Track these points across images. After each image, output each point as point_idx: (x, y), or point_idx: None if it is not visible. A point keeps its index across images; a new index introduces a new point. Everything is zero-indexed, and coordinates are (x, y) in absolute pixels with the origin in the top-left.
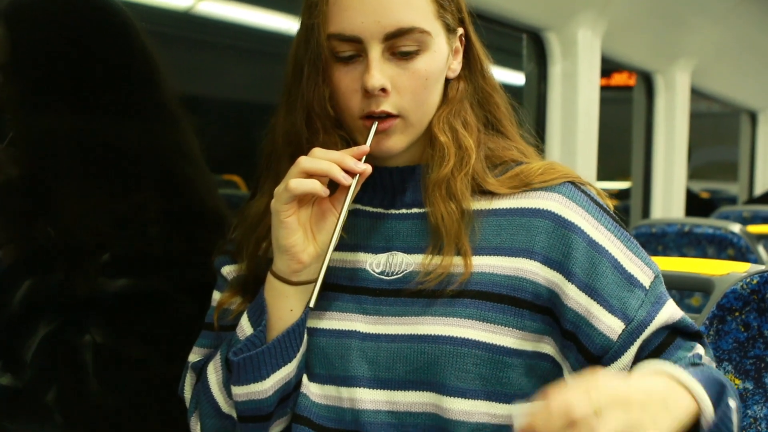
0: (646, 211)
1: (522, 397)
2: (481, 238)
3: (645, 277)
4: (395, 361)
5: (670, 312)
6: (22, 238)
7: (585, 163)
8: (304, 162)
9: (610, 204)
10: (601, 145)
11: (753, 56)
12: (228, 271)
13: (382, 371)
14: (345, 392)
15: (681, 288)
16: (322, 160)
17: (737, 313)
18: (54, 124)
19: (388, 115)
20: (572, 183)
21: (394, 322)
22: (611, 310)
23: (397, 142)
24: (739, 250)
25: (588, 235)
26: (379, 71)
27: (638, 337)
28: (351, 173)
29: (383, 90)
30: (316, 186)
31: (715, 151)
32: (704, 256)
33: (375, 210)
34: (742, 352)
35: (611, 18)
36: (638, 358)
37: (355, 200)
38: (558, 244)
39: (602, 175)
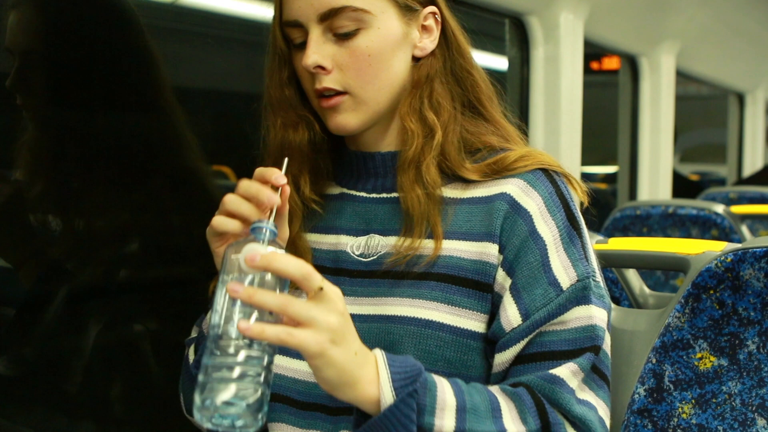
0: (632, 195)
1: (485, 379)
2: (452, 223)
3: (565, 278)
4: (365, 341)
5: (572, 317)
6: (42, 247)
7: (569, 147)
8: (227, 203)
9: (581, 197)
10: (593, 129)
11: (738, 38)
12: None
13: None
14: None
15: (657, 268)
16: (242, 202)
17: (712, 291)
18: (64, 108)
19: (336, 93)
20: (543, 170)
21: (366, 302)
22: (518, 301)
23: (349, 118)
24: (723, 231)
25: (533, 224)
26: (316, 51)
27: (526, 336)
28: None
29: (322, 68)
30: (235, 227)
31: (705, 134)
32: (688, 237)
33: (358, 194)
34: (716, 329)
35: (593, 1)
36: (521, 358)
37: (341, 185)
38: (507, 227)
39: (592, 160)
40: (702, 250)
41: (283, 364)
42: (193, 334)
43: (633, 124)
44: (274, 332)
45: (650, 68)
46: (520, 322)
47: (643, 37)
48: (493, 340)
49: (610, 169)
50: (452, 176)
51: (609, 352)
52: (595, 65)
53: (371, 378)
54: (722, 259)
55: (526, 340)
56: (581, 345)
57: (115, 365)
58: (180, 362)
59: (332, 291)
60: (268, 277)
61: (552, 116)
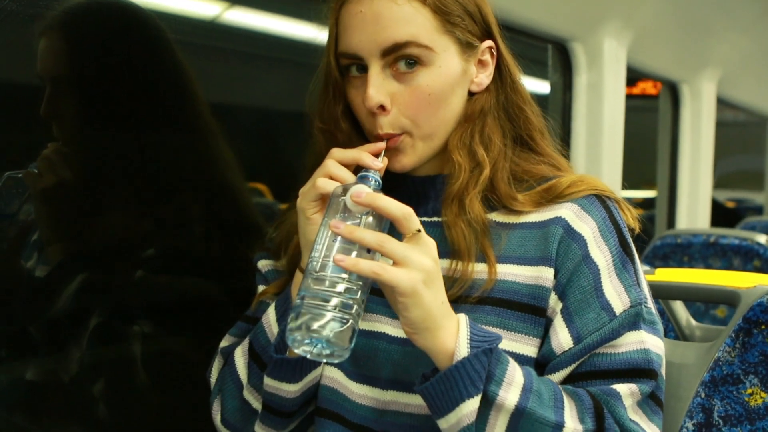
0: (671, 221)
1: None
2: (506, 247)
3: (619, 303)
4: (418, 365)
5: (624, 342)
6: (71, 238)
7: (610, 173)
8: (330, 166)
9: (632, 223)
10: (625, 152)
11: None
12: (263, 264)
13: (404, 374)
14: (367, 390)
15: (707, 300)
16: (343, 167)
17: (764, 326)
18: (100, 134)
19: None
20: (596, 196)
21: None
22: (569, 325)
23: (409, 157)
24: (766, 262)
25: (587, 248)
26: (377, 88)
27: (577, 360)
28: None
29: (382, 108)
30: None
31: (741, 160)
32: (730, 267)
33: None
34: None
35: (637, 28)
36: (572, 377)
37: None
38: (562, 251)
39: (626, 184)
40: (753, 283)
41: (339, 379)
42: (225, 343)
43: (672, 151)
44: (368, 266)
45: (691, 95)
46: (572, 346)
47: (685, 63)
48: (542, 362)
49: (644, 193)
50: (501, 206)
51: (665, 379)
52: (627, 89)
53: (452, 331)
54: None
55: (577, 363)
56: (635, 366)
57: (139, 378)
58: (201, 373)
59: (428, 237)
60: (370, 219)
61: (594, 142)
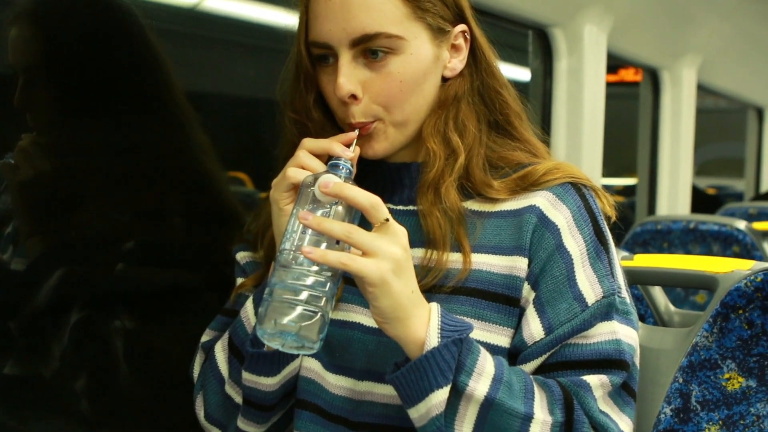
0: (651, 208)
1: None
2: (481, 236)
3: (591, 294)
4: (393, 356)
5: (596, 333)
6: (49, 230)
7: (590, 159)
8: (301, 156)
9: (609, 211)
10: (606, 140)
11: (759, 52)
12: (242, 256)
13: (379, 365)
14: (342, 381)
15: (685, 286)
16: (314, 157)
17: (741, 311)
18: (75, 123)
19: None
20: (572, 184)
21: None
22: (541, 315)
23: (381, 144)
24: (745, 247)
25: (560, 238)
26: (347, 77)
27: (548, 350)
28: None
29: (354, 96)
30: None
31: (722, 148)
32: (709, 252)
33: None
34: (745, 349)
35: (617, 14)
36: (543, 367)
37: None
38: (536, 240)
39: (607, 172)
40: (730, 268)
41: (316, 370)
42: (206, 338)
43: (653, 137)
44: (336, 257)
45: (671, 81)
46: (543, 336)
47: (665, 50)
48: (514, 353)
49: (626, 181)
50: (477, 194)
51: (638, 369)
52: (609, 77)
53: (422, 320)
54: (752, 278)
55: (549, 353)
56: (607, 356)
57: (117, 369)
58: (183, 368)
59: (397, 225)
60: (339, 208)
61: (574, 128)
